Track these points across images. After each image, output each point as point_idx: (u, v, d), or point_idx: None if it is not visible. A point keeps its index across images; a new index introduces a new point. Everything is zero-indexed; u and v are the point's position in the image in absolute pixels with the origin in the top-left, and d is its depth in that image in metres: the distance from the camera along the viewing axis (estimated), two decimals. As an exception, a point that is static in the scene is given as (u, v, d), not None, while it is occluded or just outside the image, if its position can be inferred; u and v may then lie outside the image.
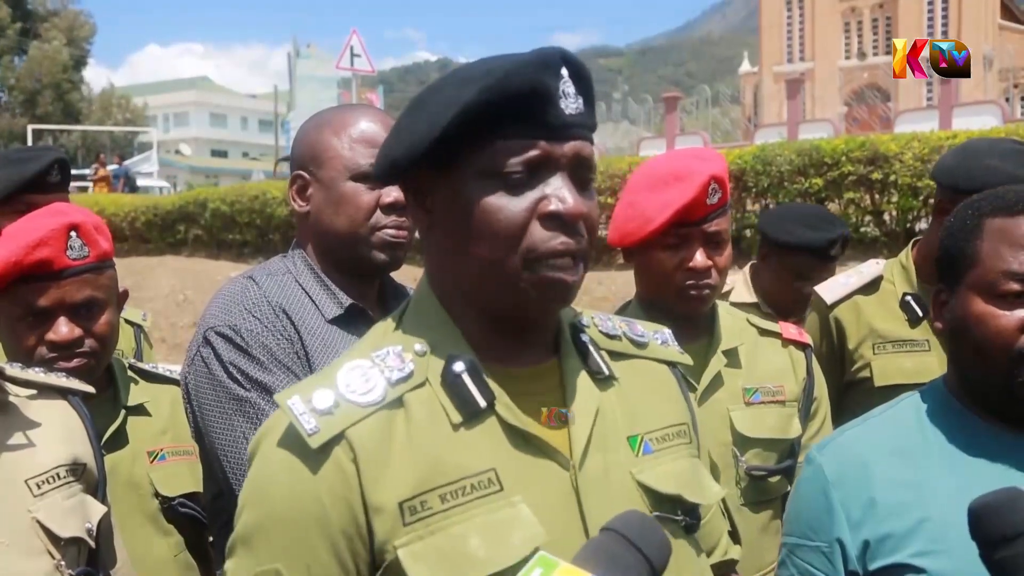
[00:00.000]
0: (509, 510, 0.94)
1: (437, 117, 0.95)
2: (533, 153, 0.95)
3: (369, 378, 0.98)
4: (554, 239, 0.96)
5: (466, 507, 0.93)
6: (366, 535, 0.93)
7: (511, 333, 1.02)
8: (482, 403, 0.97)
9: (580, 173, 0.99)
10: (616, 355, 1.12)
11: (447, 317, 1.03)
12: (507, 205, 0.95)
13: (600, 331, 1.12)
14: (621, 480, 1.01)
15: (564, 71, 0.96)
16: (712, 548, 1.21)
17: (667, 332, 1.21)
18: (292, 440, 0.95)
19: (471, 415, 0.97)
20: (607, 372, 1.07)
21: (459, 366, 0.99)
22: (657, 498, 1.02)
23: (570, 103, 0.96)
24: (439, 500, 0.93)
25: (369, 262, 1.63)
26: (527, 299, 0.98)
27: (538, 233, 0.96)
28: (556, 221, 0.96)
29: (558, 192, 0.96)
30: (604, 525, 0.89)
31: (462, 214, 0.97)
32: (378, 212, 1.60)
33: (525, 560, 0.88)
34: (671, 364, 1.18)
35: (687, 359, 1.20)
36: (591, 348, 1.08)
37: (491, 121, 0.94)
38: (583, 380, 1.05)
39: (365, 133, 1.62)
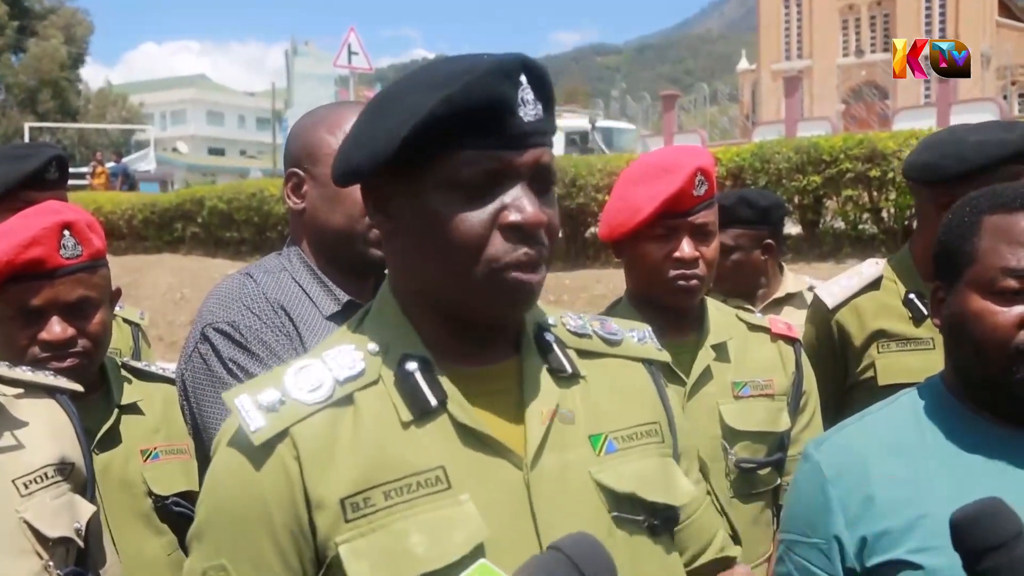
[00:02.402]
0: (454, 508, 0.94)
1: (396, 127, 0.95)
2: (492, 164, 0.96)
3: (317, 376, 0.99)
4: (515, 251, 0.97)
5: (411, 504, 0.94)
6: (309, 532, 0.94)
7: (471, 334, 1.03)
8: (433, 401, 0.98)
9: (539, 180, 0.99)
10: (585, 353, 1.11)
11: (404, 318, 1.03)
12: (468, 217, 0.96)
13: (568, 330, 1.12)
14: (579, 479, 1.01)
15: (523, 78, 0.96)
16: (703, 547, 1.19)
17: (647, 329, 1.21)
18: (239, 438, 0.96)
19: (422, 413, 0.98)
20: (570, 370, 1.07)
21: (412, 365, 1.00)
22: (615, 497, 1.02)
23: (529, 110, 0.96)
24: (383, 497, 0.93)
25: (366, 258, 1.62)
26: (490, 305, 0.99)
27: (499, 244, 0.96)
28: (517, 232, 0.97)
29: (517, 202, 0.97)
30: (552, 543, 0.89)
31: (423, 224, 0.98)
32: None
33: (466, 558, 0.89)
34: (648, 362, 1.17)
35: (665, 356, 1.19)
36: (555, 347, 1.08)
37: (450, 132, 0.94)
38: (543, 378, 1.04)
39: None
